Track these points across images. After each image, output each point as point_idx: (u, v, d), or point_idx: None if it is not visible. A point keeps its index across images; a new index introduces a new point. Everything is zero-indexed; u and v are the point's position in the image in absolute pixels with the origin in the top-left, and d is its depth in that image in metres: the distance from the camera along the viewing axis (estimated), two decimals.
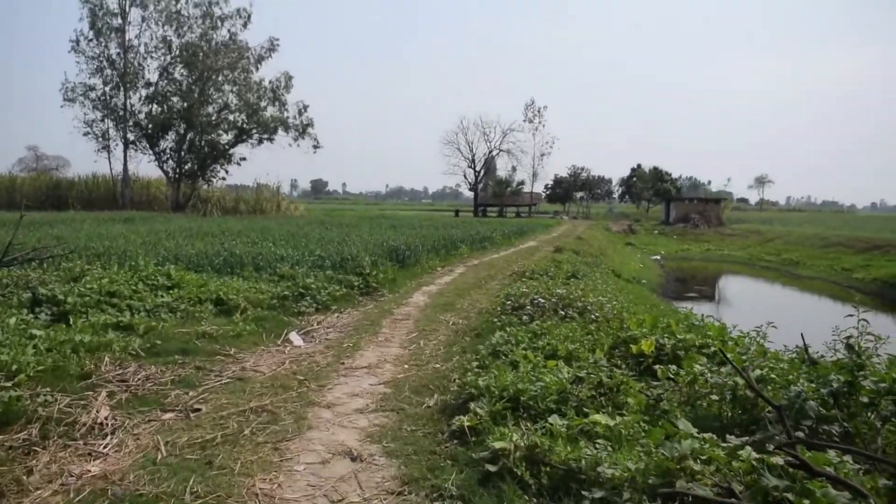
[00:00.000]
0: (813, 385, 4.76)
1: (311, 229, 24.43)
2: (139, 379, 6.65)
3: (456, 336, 9.69)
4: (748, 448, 3.69)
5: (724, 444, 3.99)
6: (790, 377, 5.01)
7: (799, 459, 3.32)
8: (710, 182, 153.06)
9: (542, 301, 10.02)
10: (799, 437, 3.88)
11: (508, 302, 10.50)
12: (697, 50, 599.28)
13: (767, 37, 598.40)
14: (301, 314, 10.68)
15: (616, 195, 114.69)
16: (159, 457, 4.87)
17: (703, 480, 3.66)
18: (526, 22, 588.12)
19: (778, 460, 3.51)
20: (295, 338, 9.19)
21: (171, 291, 10.43)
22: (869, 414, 4.51)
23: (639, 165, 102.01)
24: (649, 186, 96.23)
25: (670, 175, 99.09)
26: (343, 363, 7.96)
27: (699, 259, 47.24)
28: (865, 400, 4.56)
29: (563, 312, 9.61)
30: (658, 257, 43.40)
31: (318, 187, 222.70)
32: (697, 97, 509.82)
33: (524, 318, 9.42)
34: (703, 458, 3.87)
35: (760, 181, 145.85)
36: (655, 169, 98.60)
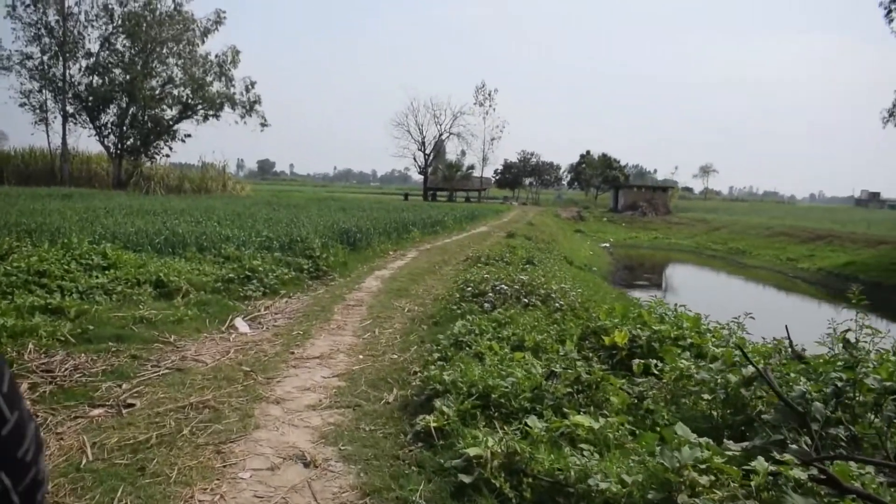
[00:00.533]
0: (814, 384, 4.37)
1: (258, 210, 23.60)
2: (67, 369, 6.02)
3: (412, 324, 9.18)
4: (761, 459, 3.26)
5: (729, 452, 3.57)
6: (791, 375, 4.60)
7: (826, 473, 2.90)
8: (655, 171, 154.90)
9: (505, 288, 9.56)
10: (839, 452, 3.46)
11: (468, 288, 10.00)
12: (650, 37, 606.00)
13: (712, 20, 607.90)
14: (247, 298, 10.04)
15: (565, 182, 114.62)
16: (84, 461, 4.26)
17: (709, 495, 3.23)
18: (480, 6, 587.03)
19: (798, 473, 3.08)
20: (241, 324, 8.57)
21: (106, 272, 9.66)
22: (873, 415, 4.13)
23: (588, 152, 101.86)
24: (598, 173, 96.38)
25: (619, 162, 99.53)
26: (293, 353, 7.38)
27: (647, 247, 47.54)
28: (868, 400, 4.19)
29: (525, 300, 9.17)
30: (607, 245, 43.53)
31: (265, 167, 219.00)
32: (651, 87, 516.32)
33: (485, 305, 8.96)
34: (703, 467, 3.45)
35: (705, 170, 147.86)
36: (604, 156, 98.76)
